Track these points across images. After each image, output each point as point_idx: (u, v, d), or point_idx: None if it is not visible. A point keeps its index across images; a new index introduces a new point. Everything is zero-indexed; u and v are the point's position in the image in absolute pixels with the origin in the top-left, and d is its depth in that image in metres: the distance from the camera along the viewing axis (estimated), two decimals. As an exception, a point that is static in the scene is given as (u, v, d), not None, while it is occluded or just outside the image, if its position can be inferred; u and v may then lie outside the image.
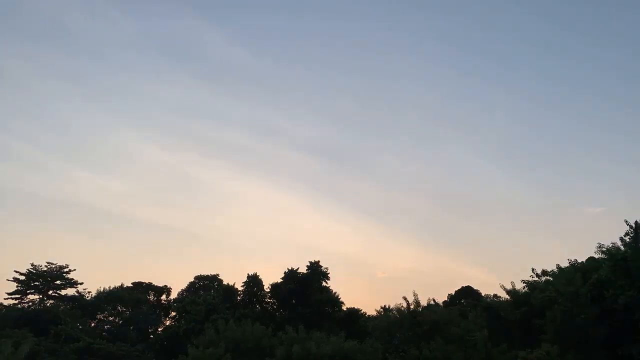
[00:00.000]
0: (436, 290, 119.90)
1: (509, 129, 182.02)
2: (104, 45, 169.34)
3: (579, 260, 43.10)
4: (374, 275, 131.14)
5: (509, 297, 47.33)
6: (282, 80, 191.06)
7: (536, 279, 45.40)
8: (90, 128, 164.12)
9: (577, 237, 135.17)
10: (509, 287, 46.98)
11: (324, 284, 59.70)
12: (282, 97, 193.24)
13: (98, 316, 65.54)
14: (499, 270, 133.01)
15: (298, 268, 59.76)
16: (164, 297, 72.50)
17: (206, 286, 76.50)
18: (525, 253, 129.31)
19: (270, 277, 66.60)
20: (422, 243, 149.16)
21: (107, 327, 64.08)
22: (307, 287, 58.24)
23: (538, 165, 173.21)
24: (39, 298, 63.39)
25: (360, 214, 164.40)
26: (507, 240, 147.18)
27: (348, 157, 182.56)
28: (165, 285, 73.27)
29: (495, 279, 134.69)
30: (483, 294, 67.50)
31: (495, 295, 59.02)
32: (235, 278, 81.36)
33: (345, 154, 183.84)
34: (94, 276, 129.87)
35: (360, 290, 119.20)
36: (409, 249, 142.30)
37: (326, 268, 60.09)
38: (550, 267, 44.60)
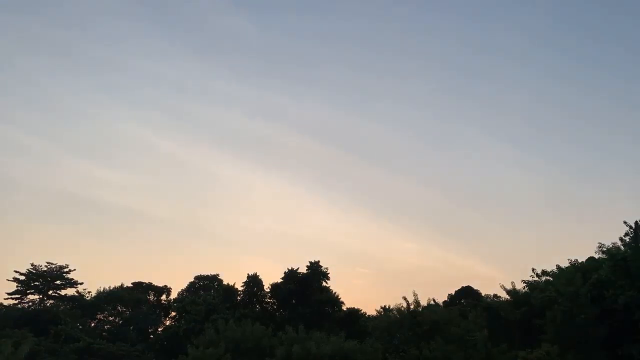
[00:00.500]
0: (439, 286, 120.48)
1: (512, 127, 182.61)
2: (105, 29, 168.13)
3: (579, 260, 43.15)
4: (376, 271, 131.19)
5: (509, 297, 47.24)
6: (290, 59, 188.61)
7: (536, 279, 45.32)
8: (89, 118, 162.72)
9: (578, 237, 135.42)
10: (509, 287, 47.03)
11: (324, 284, 59.75)
12: (288, 79, 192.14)
13: (98, 316, 65.53)
14: (501, 268, 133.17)
15: (298, 268, 59.87)
16: (164, 297, 72.55)
17: (206, 286, 76.57)
18: (527, 252, 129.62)
19: (271, 275, 66.58)
20: (426, 238, 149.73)
21: (107, 327, 64.03)
22: (307, 287, 58.26)
23: (539, 163, 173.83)
24: (39, 298, 63.37)
25: (364, 207, 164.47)
26: (510, 238, 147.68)
27: (352, 148, 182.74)
28: (165, 285, 73.46)
29: (498, 276, 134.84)
30: (483, 294, 67.57)
31: (495, 295, 58.97)
32: (235, 278, 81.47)
33: (350, 145, 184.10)
34: (94, 276, 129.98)
35: (362, 286, 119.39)
36: (412, 245, 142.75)
37: (326, 268, 60.26)
38: (551, 266, 44.70)
